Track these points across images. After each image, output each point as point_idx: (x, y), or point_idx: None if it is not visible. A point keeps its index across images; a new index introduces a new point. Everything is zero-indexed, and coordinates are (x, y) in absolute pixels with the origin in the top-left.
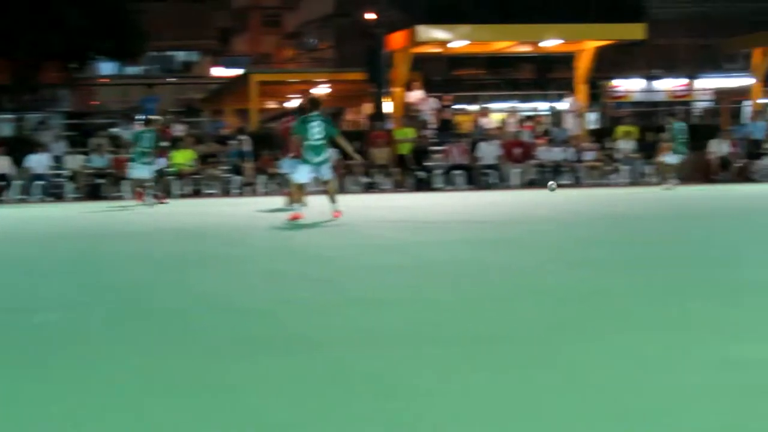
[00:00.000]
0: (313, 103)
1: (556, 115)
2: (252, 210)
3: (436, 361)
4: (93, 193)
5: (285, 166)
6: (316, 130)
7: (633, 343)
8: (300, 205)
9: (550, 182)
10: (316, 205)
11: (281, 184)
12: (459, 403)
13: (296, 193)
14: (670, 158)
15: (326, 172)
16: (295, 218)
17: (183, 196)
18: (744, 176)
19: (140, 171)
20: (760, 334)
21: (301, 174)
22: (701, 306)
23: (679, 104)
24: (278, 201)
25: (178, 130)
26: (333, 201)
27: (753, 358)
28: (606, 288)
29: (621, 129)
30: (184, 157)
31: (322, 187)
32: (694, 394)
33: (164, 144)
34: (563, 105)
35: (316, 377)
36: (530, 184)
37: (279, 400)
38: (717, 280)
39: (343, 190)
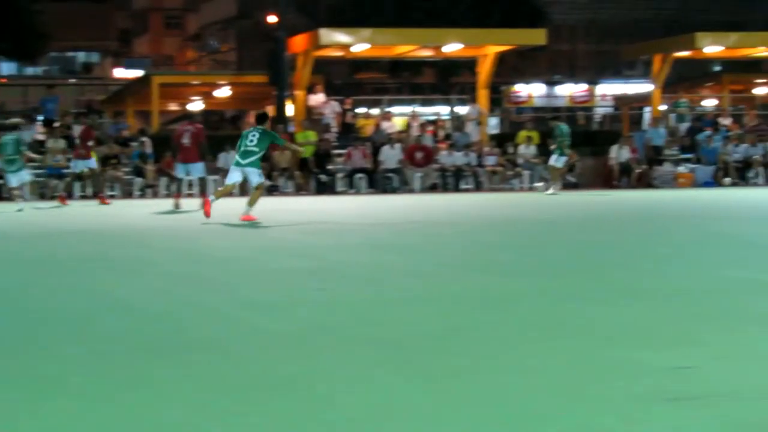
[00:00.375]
0: (258, 118)
1: (458, 120)
2: (154, 212)
3: (337, 363)
4: None
5: (179, 170)
6: (250, 139)
7: (531, 348)
8: (215, 199)
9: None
10: (220, 208)
11: (177, 188)
12: (360, 405)
13: (224, 190)
14: (554, 161)
15: (254, 179)
16: (206, 211)
17: (84, 197)
18: (644, 182)
19: (12, 179)
20: (660, 341)
21: (232, 176)
22: (600, 311)
23: (580, 110)
24: (179, 204)
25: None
26: (250, 204)
27: (652, 365)
28: (506, 292)
29: (522, 134)
30: None
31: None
32: (595, 401)
33: (90, 144)
34: (465, 110)
35: (216, 380)
36: (432, 188)
37: (176, 402)
38: (614, 285)
39: (244, 192)
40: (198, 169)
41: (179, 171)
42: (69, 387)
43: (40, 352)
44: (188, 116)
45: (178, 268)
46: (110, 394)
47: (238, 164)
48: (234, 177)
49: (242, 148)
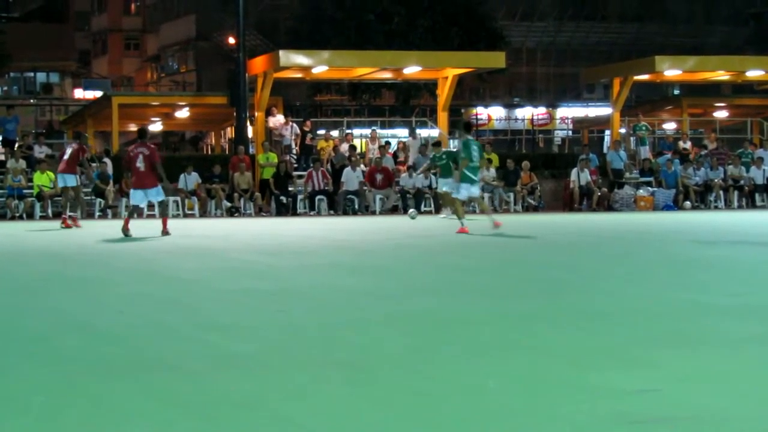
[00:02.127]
0: (465, 126)
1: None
2: (114, 233)
3: (300, 384)
4: None
5: (136, 197)
6: (474, 156)
7: (493, 370)
8: (464, 220)
9: (411, 210)
10: (171, 227)
11: (129, 213)
12: (324, 425)
13: (459, 209)
14: (446, 186)
15: (476, 191)
16: (461, 232)
17: (43, 218)
18: (605, 205)
19: None
20: (621, 363)
21: (462, 192)
22: (562, 333)
23: (540, 132)
24: (140, 224)
25: (39, 152)
26: (461, 217)
27: (614, 387)
28: (467, 314)
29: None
30: (44, 179)
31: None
32: (558, 423)
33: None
34: (425, 132)
35: (177, 400)
36: (392, 210)
37: (137, 422)
38: (575, 307)
39: (206, 214)
40: (156, 194)
41: (137, 198)
42: (30, 407)
43: (0, 371)
44: (141, 135)
45: (138, 288)
46: (71, 413)
47: (473, 182)
48: (464, 194)
49: (471, 164)
